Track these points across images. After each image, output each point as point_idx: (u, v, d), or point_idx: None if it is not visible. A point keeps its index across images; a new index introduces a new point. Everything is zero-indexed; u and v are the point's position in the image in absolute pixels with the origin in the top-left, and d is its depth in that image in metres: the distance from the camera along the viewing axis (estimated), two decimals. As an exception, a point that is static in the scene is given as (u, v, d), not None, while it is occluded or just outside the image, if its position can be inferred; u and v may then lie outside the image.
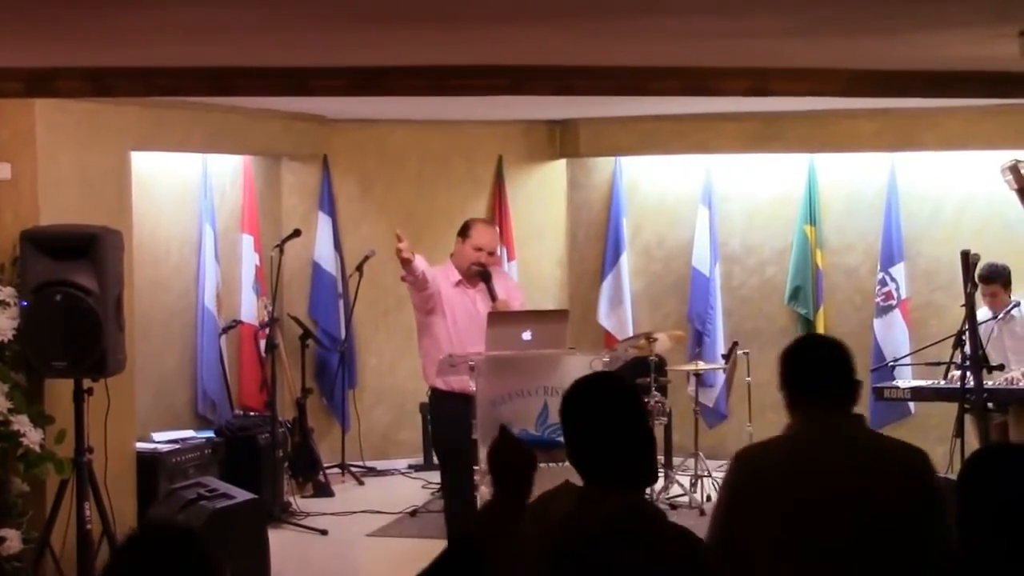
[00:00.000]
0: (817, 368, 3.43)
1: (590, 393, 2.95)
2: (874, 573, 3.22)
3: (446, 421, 6.65)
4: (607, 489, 2.82)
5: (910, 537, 3.23)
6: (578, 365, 6.66)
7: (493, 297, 6.57)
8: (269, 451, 7.85)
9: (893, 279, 8.84)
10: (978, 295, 7.83)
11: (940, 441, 8.14)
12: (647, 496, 3.76)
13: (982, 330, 7.72)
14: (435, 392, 6.70)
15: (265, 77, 4.97)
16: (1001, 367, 7.33)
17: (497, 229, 6.71)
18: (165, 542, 2.39)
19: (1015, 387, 7.32)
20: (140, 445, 7.05)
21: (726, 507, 3.36)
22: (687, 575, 2.76)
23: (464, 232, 6.71)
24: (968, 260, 6.66)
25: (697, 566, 2.78)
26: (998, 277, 7.56)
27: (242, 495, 6.36)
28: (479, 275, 6.58)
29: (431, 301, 6.56)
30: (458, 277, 6.63)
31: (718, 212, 9.37)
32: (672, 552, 2.77)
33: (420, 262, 6.43)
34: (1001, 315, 7.61)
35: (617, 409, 2.89)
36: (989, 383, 7.30)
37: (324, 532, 7.63)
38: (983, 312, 7.71)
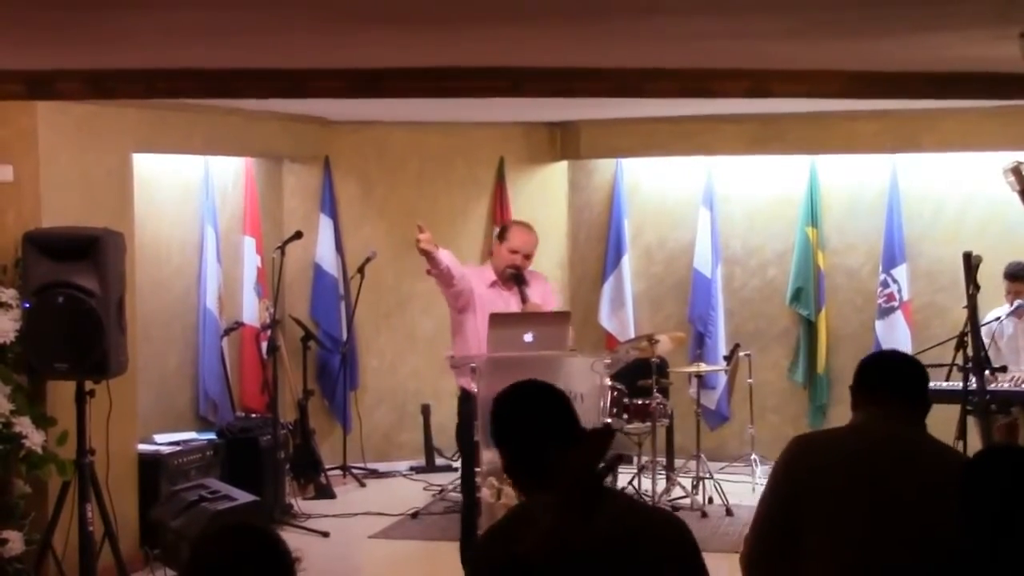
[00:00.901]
0: (888, 375, 3.53)
1: (520, 402, 2.96)
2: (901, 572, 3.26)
3: (463, 420, 6.70)
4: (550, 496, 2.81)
5: (945, 546, 3.25)
6: (580, 367, 6.67)
7: (524, 299, 6.58)
8: (270, 453, 7.85)
9: (895, 280, 8.84)
10: (1001, 293, 7.85)
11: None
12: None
13: (996, 328, 7.74)
14: (461, 391, 6.73)
15: (265, 79, 4.97)
16: (1004, 368, 7.33)
17: (535, 233, 6.74)
18: (246, 539, 2.45)
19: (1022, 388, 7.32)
20: (142, 447, 7.05)
21: (778, 484, 3.41)
22: (681, 545, 2.83)
23: (502, 234, 6.77)
24: (970, 261, 6.66)
25: (684, 531, 2.86)
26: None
27: (243, 497, 6.37)
28: (512, 277, 6.60)
29: (461, 299, 6.59)
30: (493, 278, 6.65)
31: (719, 214, 9.37)
32: (664, 529, 2.84)
33: (445, 256, 6.45)
34: (1012, 308, 7.62)
35: (550, 411, 2.91)
36: (1005, 384, 7.31)
37: (325, 534, 7.63)
38: (1003, 309, 7.72)
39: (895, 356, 3.79)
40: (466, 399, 6.65)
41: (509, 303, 6.62)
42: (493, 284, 6.64)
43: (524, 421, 2.92)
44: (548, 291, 6.95)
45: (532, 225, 6.82)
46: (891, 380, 3.49)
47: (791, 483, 3.40)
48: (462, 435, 6.82)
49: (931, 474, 3.32)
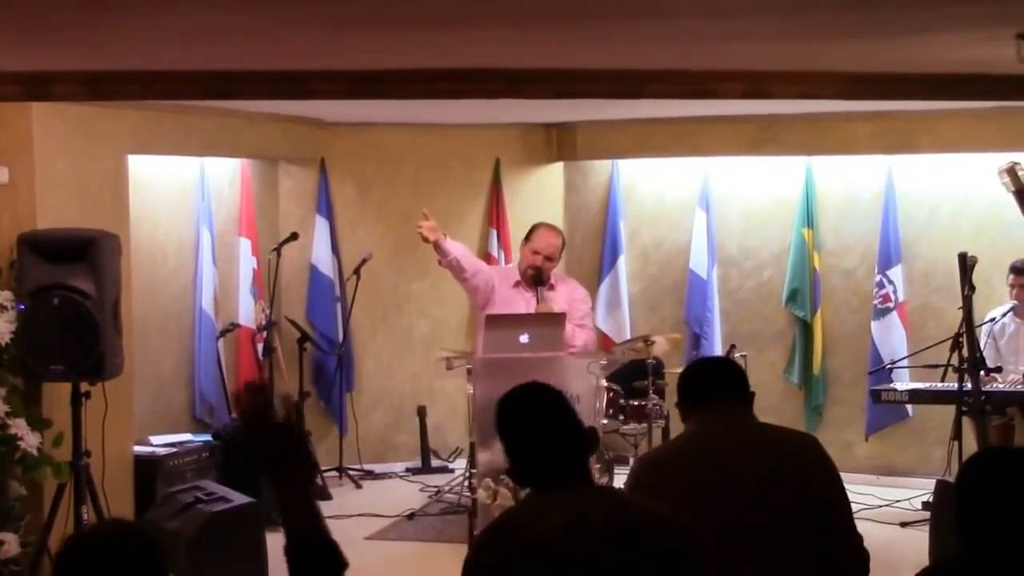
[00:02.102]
0: (704, 377, 3.66)
1: (526, 401, 3.00)
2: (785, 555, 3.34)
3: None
4: (570, 489, 2.87)
5: (807, 522, 3.34)
6: (576, 368, 6.66)
7: (539, 299, 6.61)
8: (267, 455, 7.83)
9: (891, 281, 8.84)
10: (998, 293, 7.86)
11: (938, 444, 8.16)
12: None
13: (997, 327, 7.76)
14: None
15: (262, 81, 4.97)
16: (999, 369, 7.34)
17: (561, 235, 6.78)
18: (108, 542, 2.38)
19: (1021, 389, 7.33)
20: (138, 448, 7.04)
21: None
22: (685, 547, 2.84)
23: (527, 236, 6.86)
24: (965, 262, 6.68)
25: (689, 535, 2.87)
26: None
27: (240, 499, 6.35)
28: (533, 279, 6.62)
29: (479, 295, 6.63)
30: (517, 278, 6.68)
31: (715, 215, 9.37)
32: (665, 528, 2.85)
33: (455, 248, 6.47)
34: (1011, 307, 7.63)
35: (551, 413, 2.95)
36: (1000, 385, 7.33)
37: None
38: (1000, 310, 7.73)
39: (705, 361, 4.04)
40: None
41: (530, 304, 6.63)
42: (517, 284, 6.67)
43: (528, 422, 2.95)
44: (578, 297, 6.94)
45: (557, 227, 6.83)
46: (708, 383, 3.59)
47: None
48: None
49: (774, 460, 3.45)
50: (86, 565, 2.32)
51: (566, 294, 6.76)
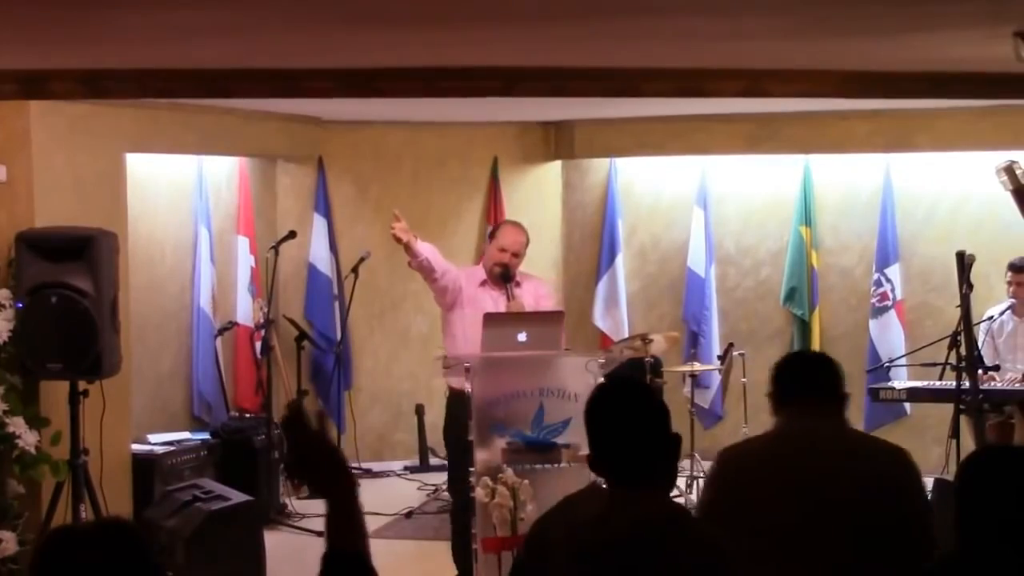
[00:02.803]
0: (801, 375, 3.57)
1: (618, 396, 2.99)
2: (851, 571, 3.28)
3: (452, 419, 6.66)
4: (635, 491, 2.86)
5: (887, 534, 3.28)
6: (573, 366, 6.66)
7: (509, 297, 6.58)
8: (265, 453, 7.84)
9: (888, 280, 8.85)
10: (996, 291, 7.87)
11: (936, 442, 8.16)
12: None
13: (995, 325, 7.76)
14: (450, 390, 6.72)
15: (259, 79, 4.96)
16: (997, 368, 7.34)
17: (525, 233, 6.76)
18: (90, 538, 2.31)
19: (1021, 388, 7.33)
20: (136, 447, 7.04)
21: (709, 504, 3.42)
22: (714, 575, 2.80)
23: (492, 233, 6.81)
24: (963, 261, 6.67)
25: (725, 566, 2.81)
26: None
27: (238, 497, 6.35)
28: (500, 276, 6.60)
29: (447, 295, 6.59)
30: (484, 277, 6.66)
31: (713, 213, 9.37)
32: (700, 553, 2.80)
33: (425, 248, 6.44)
34: (1008, 305, 7.63)
35: (645, 412, 2.93)
36: (999, 384, 7.33)
37: (320, 534, 7.58)
38: (998, 308, 7.73)
39: (805, 356, 3.86)
40: (455, 398, 6.64)
41: (497, 302, 6.61)
42: (483, 283, 6.64)
43: (620, 416, 2.93)
44: (543, 293, 6.93)
45: (523, 225, 6.82)
46: (800, 380, 3.53)
47: (723, 497, 3.40)
48: (449, 434, 6.82)
49: (859, 469, 3.37)
50: (64, 562, 2.25)
51: (531, 290, 6.76)
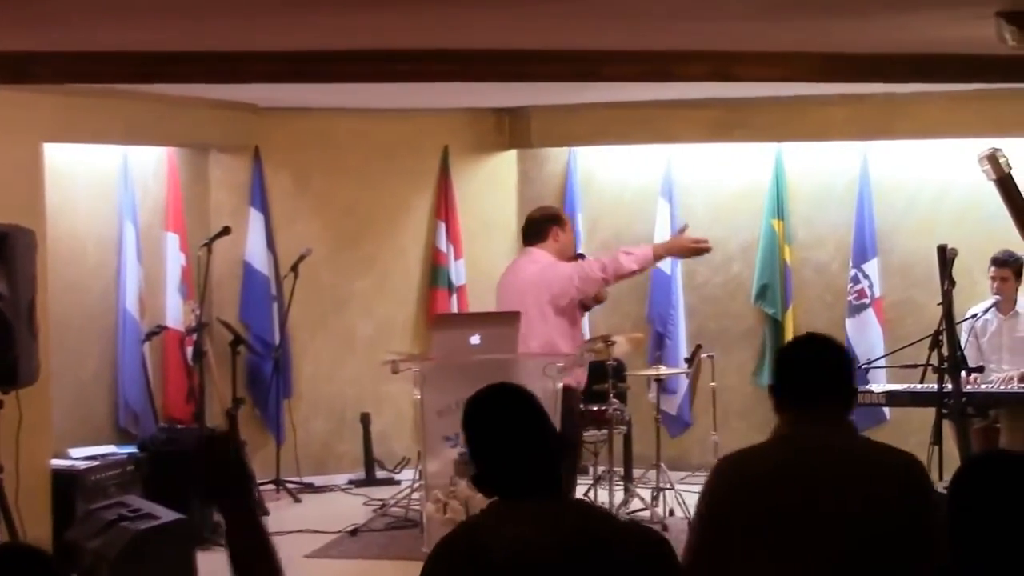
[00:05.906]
0: (809, 370, 3.46)
1: (494, 404, 3.00)
2: None
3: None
4: (524, 502, 2.88)
5: (898, 552, 3.29)
6: (531, 370, 6.67)
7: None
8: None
9: (866, 276, 8.92)
10: (980, 288, 7.94)
11: (918, 448, 8.18)
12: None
13: (979, 324, 7.84)
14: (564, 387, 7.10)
15: (196, 62, 4.94)
16: (980, 369, 7.40)
17: None
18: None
19: (1008, 390, 7.40)
20: (56, 462, 6.99)
21: (708, 519, 3.41)
22: (656, 564, 2.86)
23: (561, 221, 7.33)
24: (945, 255, 6.73)
25: (663, 553, 2.89)
26: (1014, 263, 7.70)
27: (168, 515, 6.32)
28: (579, 257, 7.39)
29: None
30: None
31: (679, 205, 9.41)
32: (639, 546, 2.86)
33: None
34: (992, 303, 7.72)
35: (526, 417, 2.96)
36: (984, 386, 7.40)
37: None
38: (982, 305, 7.81)
39: (811, 349, 3.58)
40: (569, 394, 7.04)
41: None
42: None
43: (496, 424, 2.96)
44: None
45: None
46: (810, 380, 3.44)
47: (723, 512, 3.39)
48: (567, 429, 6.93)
49: (868, 481, 3.34)
50: None
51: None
